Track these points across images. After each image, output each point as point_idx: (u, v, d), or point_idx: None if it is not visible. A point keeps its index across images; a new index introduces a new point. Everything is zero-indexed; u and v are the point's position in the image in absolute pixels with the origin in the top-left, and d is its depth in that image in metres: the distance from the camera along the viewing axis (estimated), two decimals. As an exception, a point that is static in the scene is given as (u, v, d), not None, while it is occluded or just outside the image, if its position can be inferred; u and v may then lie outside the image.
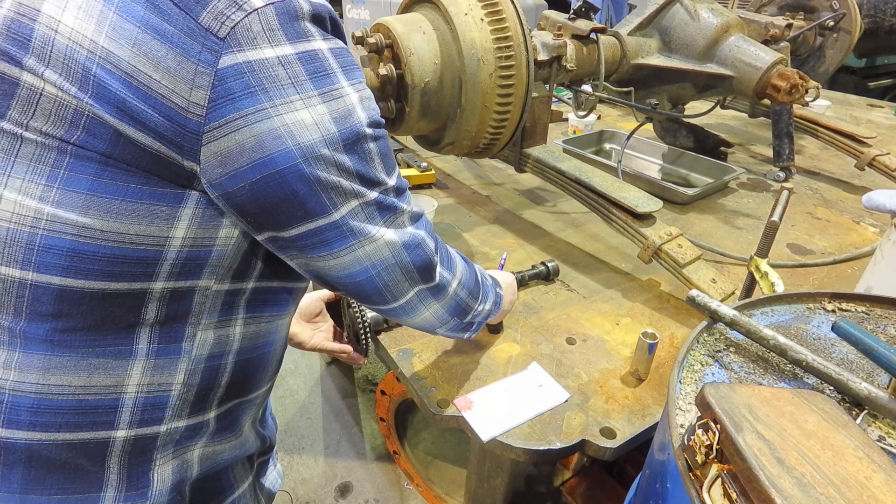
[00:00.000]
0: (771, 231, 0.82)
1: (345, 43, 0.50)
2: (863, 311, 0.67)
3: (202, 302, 0.49)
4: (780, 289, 0.83)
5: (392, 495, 1.68)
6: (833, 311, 0.68)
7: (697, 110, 1.52)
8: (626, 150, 1.65)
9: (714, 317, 0.62)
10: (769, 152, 1.82)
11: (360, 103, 0.49)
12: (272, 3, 0.43)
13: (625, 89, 1.46)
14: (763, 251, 0.88)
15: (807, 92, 1.33)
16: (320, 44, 0.46)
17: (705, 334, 0.63)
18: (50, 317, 0.44)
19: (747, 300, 0.67)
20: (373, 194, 0.52)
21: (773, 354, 0.59)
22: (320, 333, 0.97)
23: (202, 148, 0.42)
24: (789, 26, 1.60)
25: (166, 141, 0.42)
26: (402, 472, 1.62)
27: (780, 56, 1.33)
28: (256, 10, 0.42)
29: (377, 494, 1.68)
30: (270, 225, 0.48)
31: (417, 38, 1.01)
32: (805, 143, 2.07)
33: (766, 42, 1.61)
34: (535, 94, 1.20)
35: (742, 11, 1.70)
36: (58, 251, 0.43)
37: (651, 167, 1.83)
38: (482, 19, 1.01)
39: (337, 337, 0.98)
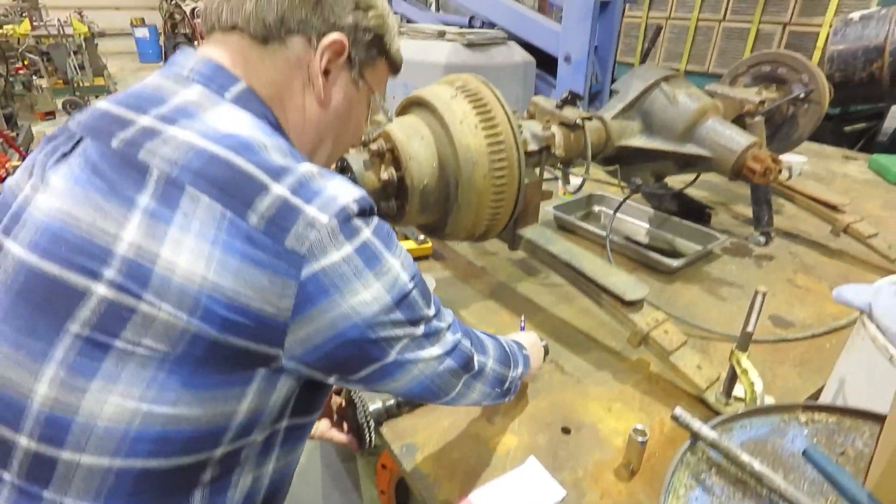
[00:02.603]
0: (748, 335, 0.88)
1: (377, 213, 0.60)
2: (833, 423, 0.73)
3: (248, 455, 0.57)
4: (759, 388, 0.89)
5: (392, 563, 1.68)
6: (806, 422, 0.73)
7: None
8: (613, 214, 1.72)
9: (697, 437, 0.68)
10: (750, 212, 1.90)
11: (402, 268, 0.59)
12: (334, 215, 0.52)
13: (611, 168, 1.54)
14: (743, 346, 0.94)
15: (780, 172, 1.42)
16: (367, 232, 0.56)
17: (689, 454, 0.68)
18: (126, 494, 0.50)
19: (726, 416, 0.72)
20: (420, 329, 0.62)
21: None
22: (324, 422, 1.01)
23: (286, 338, 0.52)
24: (762, 102, 1.71)
25: (257, 339, 0.50)
26: (402, 541, 1.63)
27: (755, 140, 1.42)
28: (325, 224, 0.52)
29: (377, 563, 1.68)
30: (339, 372, 0.58)
31: (416, 143, 1.09)
32: (784, 202, 2.16)
33: (741, 116, 1.71)
34: (526, 181, 1.28)
35: (718, 86, 1.81)
36: (146, 439, 0.49)
37: (638, 231, 1.91)
38: (476, 126, 1.09)
39: (338, 422, 1.03)
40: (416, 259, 1.63)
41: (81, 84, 7.98)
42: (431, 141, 1.10)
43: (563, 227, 1.89)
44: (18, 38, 7.72)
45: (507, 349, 0.85)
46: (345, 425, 1.04)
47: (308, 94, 0.64)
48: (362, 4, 0.64)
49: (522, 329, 1.21)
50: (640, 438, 0.89)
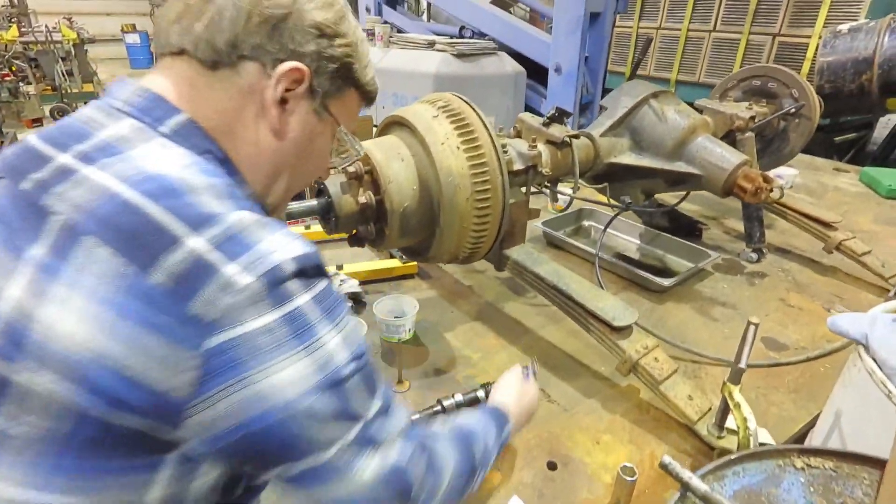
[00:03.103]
0: (740, 370, 0.84)
1: (328, 276, 0.53)
2: (831, 469, 0.69)
3: None
4: (752, 425, 0.85)
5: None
6: (802, 468, 0.69)
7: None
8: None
9: (687, 488, 0.63)
10: (741, 226, 1.88)
11: (342, 345, 0.51)
12: (261, 275, 0.45)
13: (600, 186, 1.51)
14: (735, 379, 0.90)
15: (771, 191, 1.39)
16: (303, 298, 0.48)
17: (679, 506, 0.63)
18: None
19: (719, 462, 0.68)
20: (354, 431, 0.52)
21: (745, 532, 0.60)
22: None
23: (188, 420, 0.44)
24: (753, 118, 1.69)
25: (154, 419, 0.43)
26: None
27: (745, 158, 1.39)
28: (244, 287, 0.44)
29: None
30: (254, 467, 0.50)
31: (396, 165, 1.04)
32: (777, 217, 2.13)
33: (731, 132, 1.68)
34: (512, 201, 1.24)
35: (708, 101, 1.78)
36: None
37: (629, 247, 1.87)
38: (458, 147, 1.05)
39: None
40: (401, 278, 1.59)
41: (70, 90, 7.90)
42: (412, 163, 1.06)
43: (552, 244, 1.86)
44: (6, 45, 7.63)
45: (476, 454, 0.69)
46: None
47: (262, 125, 0.57)
48: (328, 32, 0.58)
49: (528, 376, 0.96)
50: (628, 477, 0.85)
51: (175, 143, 0.52)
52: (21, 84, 7.43)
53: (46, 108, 7.39)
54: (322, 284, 0.51)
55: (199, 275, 0.43)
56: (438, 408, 1.04)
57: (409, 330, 1.31)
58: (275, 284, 0.46)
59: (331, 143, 0.66)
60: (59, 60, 7.88)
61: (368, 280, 1.55)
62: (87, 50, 8.91)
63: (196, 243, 0.44)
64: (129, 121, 0.52)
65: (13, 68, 7.55)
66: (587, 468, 0.97)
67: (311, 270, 0.50)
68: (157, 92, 0.54)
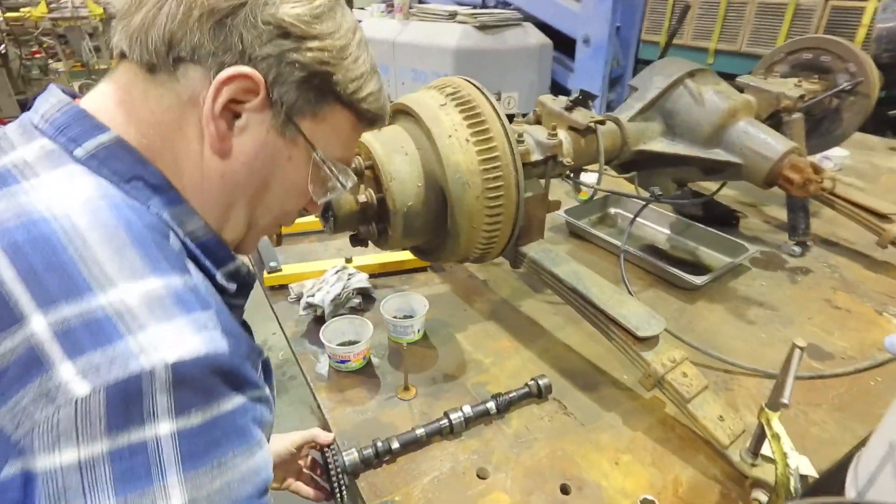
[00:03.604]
0: (781, 403, 0.74)
1: (242, 389, 0.41)
2: (888, 528, 0.59)
3: None
4: (793, 462, 0.75)
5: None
6: (853, 526, 0.60)
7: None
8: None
9: (715, 551, 0.55)
10: (784, 214, 1.73)
11: None
12: (106, 388, 0.34)
13: (628, 175, 1.39)
14: (774, 405, 0.80)
15: (822, 183, 1.25)
16: (162, 427, 0.36)
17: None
18: None
19: (754, 519, 0.59)
20: None
21: None
22: (292, 476, 0.95)
23: None
24: (802, 97, 1.52)
25: None
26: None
27: (793, 145, 1.25)
28: (77, 399, 0.33)
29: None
30: None
31: (399, 160, 0.95)
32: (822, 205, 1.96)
33: (776, 113, 1.53)
34: (528, 194, 1.14)
35: (752, 78, 1.62)
36: None
37: (658, 237, 1.74)
38: (468, 140, 0.95)
39: (311, 466, 0.97)
40: (412, 271, 1.51)
41: (97, 67, 7.96)
42: (417, 157, 0.96)
43: (575, 234, 1.74)
44: (35, 22, 7.71)
45: None
46: (318, 471, 0.97)
47: (206, 144, 0.48)
48: (294, 32, 0.46)
49: None
50: (648, 513, 0.77)
51: (89, 171, 0.43)
52: (51, 61, 7.53)
53: (76, 85, 7.49)
54: (216, 409, 0.38)
55: (23, 373, 0.34)
56: (445, 422, 0.98)
57: (419, 330, 1.25)
58: (125, 401, 0.34)
59: (306, 169, 0.54)
60: (87, 36, 7.93)
61: (378, 273, 1.48)
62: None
63: (37, 327, 0.34)
64: (42, 141, 0.43)
65: (44, 45, 7.64)
66: (603, 493, 0.89)
67: (208, 383, 0.38)
68: (84, 105, 0.46)
